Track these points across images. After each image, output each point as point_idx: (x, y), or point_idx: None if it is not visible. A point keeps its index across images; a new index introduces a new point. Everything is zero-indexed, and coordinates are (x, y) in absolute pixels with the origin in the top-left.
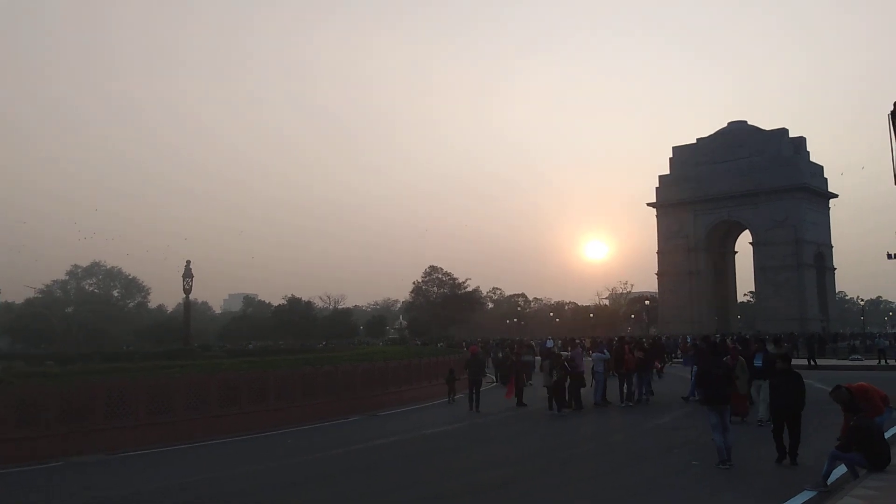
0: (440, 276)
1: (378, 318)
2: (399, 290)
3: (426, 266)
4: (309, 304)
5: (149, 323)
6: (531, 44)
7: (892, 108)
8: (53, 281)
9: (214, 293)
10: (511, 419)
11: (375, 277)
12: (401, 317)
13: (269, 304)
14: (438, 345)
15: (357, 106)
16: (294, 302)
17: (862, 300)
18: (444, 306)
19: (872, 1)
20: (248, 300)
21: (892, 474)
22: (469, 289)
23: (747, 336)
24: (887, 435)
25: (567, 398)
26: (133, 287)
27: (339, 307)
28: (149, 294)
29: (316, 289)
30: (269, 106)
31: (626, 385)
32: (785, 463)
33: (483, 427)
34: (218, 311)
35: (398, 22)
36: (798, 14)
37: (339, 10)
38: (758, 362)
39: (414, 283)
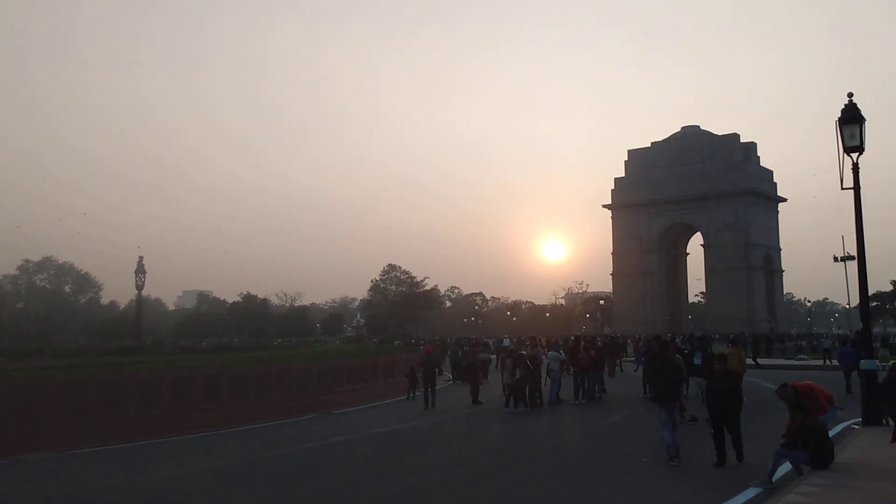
0: (398, 274)
1: (335, 315)
2: (357, 288)
3: (384, 264)
4: (265, 301)
5: (101, 319)
6: (488, 43)
7: (839, 115)
8: (3, 276)
9: (168, 290)
10: (467, 417)
11: (333, 275)
12: (358, 315)
13: (225, 302)
14: (395, 343)
15: (312, 104)
16: (250, 299)
17: (809, 302)
18: (402, 304)
19: (823, 10)
20: (203, 297)
21: (835, 472)
22: (427, 287)
23: (698, 335)
24: (831, 433)
25: (527, 396)
26: (85, 283)
27: (296, 305)
28: (101, 290)
29: (272, 286)
30: (224, 102)
31: (580, 383)
32: (731, 463)
33: (439, 425)
34: (172, 307)
35: (352, 19)
36: (752, 22)
37: (292, 7)
38: (697, 360)
39: (372, 281)
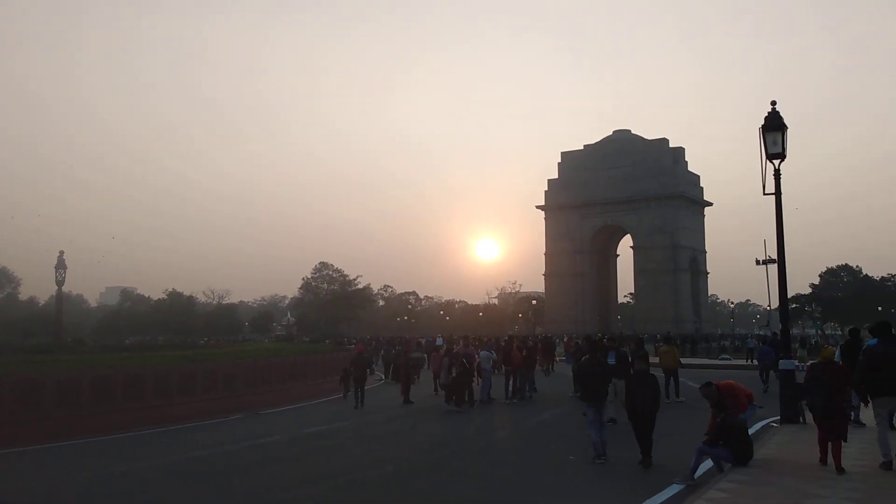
0: (330, 272)
1: (264, 314)
2: (287, 286)
3: (316, 262)
4: (191, 298)
5: (19, 316)
6: (430, 43)
7: (763, 123)
8: None
9: (91, 286)
10: (398, 417)
11: (263, 273)
12: (288, 313)
13: (149, 298)
14: (326, 342)
15: (248, 98)
16: (175, 296)
17: (732, 303)
18: (333, 303)
19: (750, 22)
20: (127, 294)
21: (754, 468)
22: (360, 286)
23: (626, 335)
24: (751, 431)
25: (464, 395)
26: (3, 277)
27: (224, 302)
28: (19, 285)
29: (199, 283)
30: (157, 92)
31: (511, 382)
32: (656, 461)
33: (369, 425)
34: (94, 304)
35: (293, 15)
36: (683, 31)
37: (233, 1)
38: (611, 360)
39: (303, 279)
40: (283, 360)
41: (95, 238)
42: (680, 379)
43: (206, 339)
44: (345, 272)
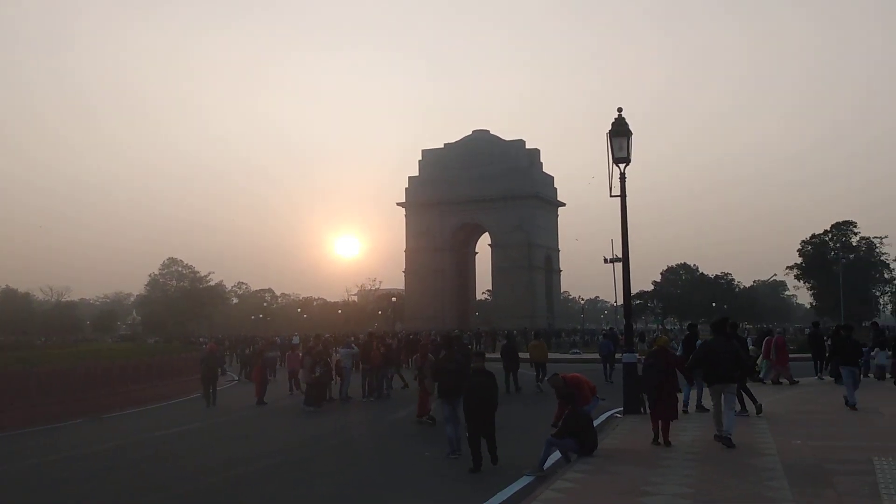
0: (180, 268)
1: (107, 312)
2: (133, 283)
3: (165, 257)
4: (27, 296)
5: None
6: (293, 40)
7: (610, 128)
8: None
9: None
10: (251, 418)
11: (106, 268)
12: (134, 311)
13: None
14: (173, 343)
15: (109, 82)
16: (9, 293)
17: (582, 299)
18: (183, 301)
19: (593, 32)
20: None
21: (599, 458)
22: (212, 283)
23: (483, 331)
24: (596, 422)
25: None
26: None
27: (63, 300)
28: None
29: (36, 279)
30: (20, 78)
31: (372, 380)
32: (486, 468)
33: (221, 427)
34: None
35: (160, 2)
36: (537, 39)
37: None
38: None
39: (150, 275)
40: (128, 362)
41: None
42: (531, 372)
43: (43, 339)
44: (195, 268)
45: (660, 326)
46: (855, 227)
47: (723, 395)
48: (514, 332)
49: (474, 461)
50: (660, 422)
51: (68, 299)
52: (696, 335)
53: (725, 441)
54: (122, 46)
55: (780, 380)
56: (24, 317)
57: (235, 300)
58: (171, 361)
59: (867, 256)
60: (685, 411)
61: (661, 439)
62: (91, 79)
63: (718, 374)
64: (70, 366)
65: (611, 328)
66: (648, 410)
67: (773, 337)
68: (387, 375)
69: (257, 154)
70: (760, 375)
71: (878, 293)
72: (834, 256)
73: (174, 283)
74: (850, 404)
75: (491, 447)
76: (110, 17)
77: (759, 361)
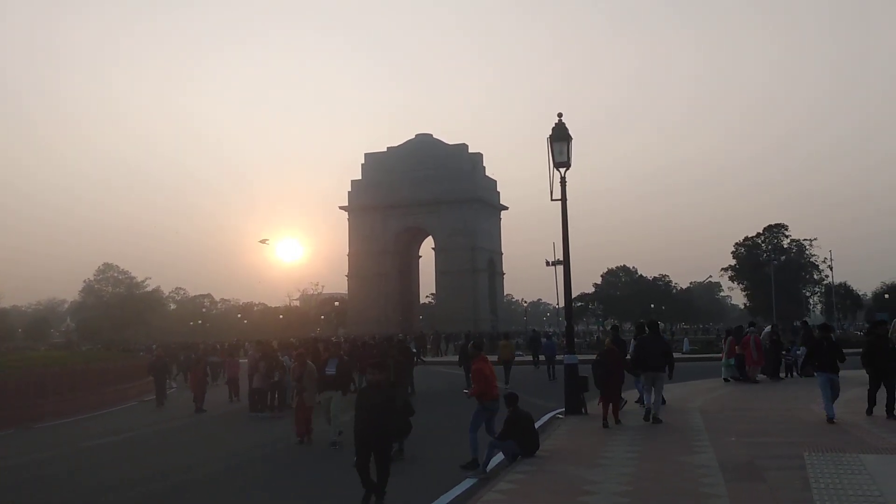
0: (116, 274)
1: (40, 319)
2: (67, 289)
3: (100, 263)
4: None
5: None
6: (226, 39)
7: (550, 132)
8: None
9: None
10: (192, 425)
11: (38, 274)
12: (68, 318)
13: None
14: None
15: (38, 84)
16: None
17: (525, 302)
18: (119, 307)
19: (542, 34)
20: None
21: (540, 459)
22: (149, 289)
23: (428, 334)
24: (538, 424)
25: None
26: None
27: None
28: None
29: None
30: None
31: None
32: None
33: (158, 435)
34: None
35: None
36: (476, 38)
37: None
38: (330, 369)
39: (85, 281)
40: (63, 370)
41: None
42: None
43: None
44: (132, 274)
45: (600, 328)
46: (786, 230)
47: (654, 382)
48: (469, 333)
49: (365, 487)
50: (610, 405)
51: None
52: (618, 336)
53: (654, 419)
54: (49, 46)
55: (758, 378)
56: None
57: (173, 306)
58: (108, 369)
59: (797, 258)
60: (645, 419)
61: (610, 422)
62: (20, 80)
63: (646, 364)
64: (0, 374)
65: (542, 331)
66: (591, 411)
67: (750, 336)
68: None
69: (194, 158)
70: (723, 375)
71: (808, 293)
72: (766, 258)
73: (110, 289)
74: (829, 418)
75: (381, 480)
76: (36, 18)
77: (722, 361)
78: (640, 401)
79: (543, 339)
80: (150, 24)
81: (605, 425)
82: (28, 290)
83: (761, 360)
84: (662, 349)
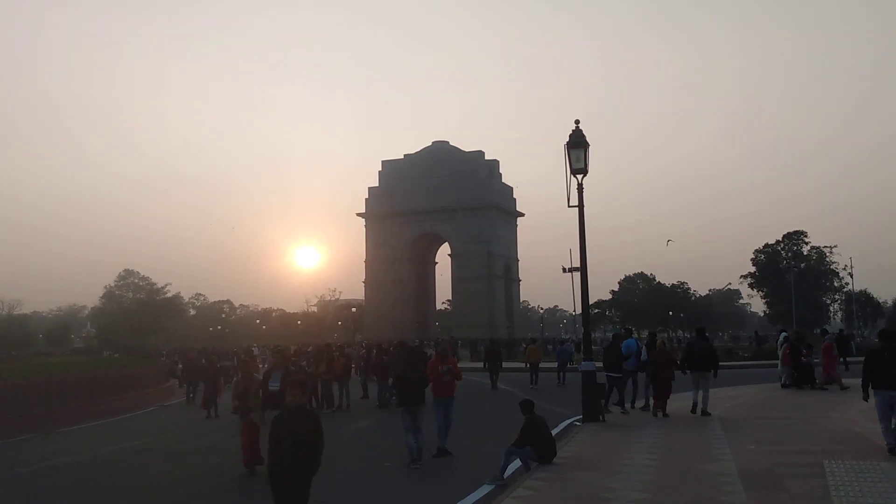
0: (136, 280)
1: (61, 325)
2: (88, 296)
3: (121, 269)
4: None
5: None
6: (237, 43)
7: (567, 139)
8: None
9: None
10: (209, 431)
11: (59, 280)
12: (88, 324)
13: None
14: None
15: (74, 90)
16: None
17: (542, 309)
18: (139, 313)
19: (554, 41)
20: None
21: (557, 466)
22: (169, 295)
23: (446, 340)
24: (555, 431)
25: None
26: None
27: (15, 313)
28: None
29: None
30: None
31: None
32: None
33: (177, 441)
34: None
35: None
36: (501, 50)
37: None
38: (274, 384)
39: (105, 287)
40: (84, 375)
41: None
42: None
43: None
44: (152, 280)
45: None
46: (806, 236)
47: (700, 380)
48: (489, 339)
49: None
50: (657, 400)
51: (20, 312)
52: (655, 340)
53: (703, 412)
54: (86, 57)
55: (826, 386)
56: None
57: (193, 312)
58: (129, 374)
59: (818, 265)
60: (692, 412)
61: (659, 413)
62: (55, 87)
63: (697, 363)
64: (22, 380)
65: (567, 338)
66: (609, 419)
67: (830, 343)
68: (346, 386)
69: (217, 165)
70: (781, 382)
71: (828, 301)
72: (786, 265)
73: (130, 294)
74: (889, 448)
75: None
76: (78, 33)
77: (780, 367)
78: (645, 406)
79: (552, 346)
80: (200, 42)
81: (655, 415)
82: (49, 296)
83: (832, 366)
84: (708, 352)
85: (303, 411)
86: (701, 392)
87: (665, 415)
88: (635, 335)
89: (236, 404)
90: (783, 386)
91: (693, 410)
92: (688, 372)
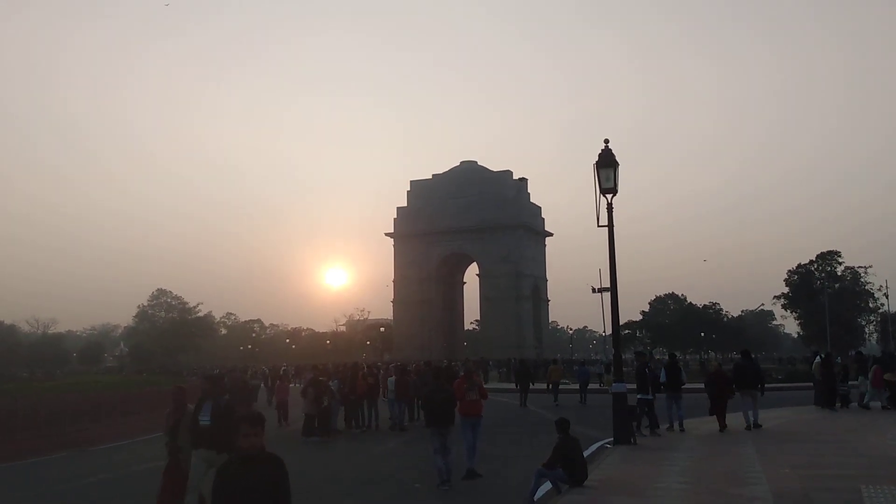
0: (169, 299)
1: (94, 344)
2: (121, 315)
3: (153, 289)
4: (12, 327)
5: None
6: (271, 66)
7: (597, 159)
8: None
9: None
10: None
11: (93, 300)
12: (121, 343)
13: None
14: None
15: (101, 113)
16: None
17: (571, 329)
18: (172, 332)
19: (572, 64)
20: None
21: (588, 489)
22: (200, 314)
23: (473, 361)
24: (586, 453)
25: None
26: None
27: (49, 332)
28: None
29: (21, 311)
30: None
31: (359, 411)
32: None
33: None
34: None
35: (90, 18)
36: (520, 68)
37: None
38: (204, 417)
39: (139, 306)
40: (115, 394)
41: None
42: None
43: (28, 371)
44: (184, 299)
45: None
46: (839, 256)
47: (749, 398)
48: (518, 359)
49: None
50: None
51: (54, 331)
52: (676, 362)
53: (755, 426)
54: (114, 82)
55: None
56: (8, 349)
57: (224, 331)
58: (162, 393)
59: (852, 286)
60: (747, 428)
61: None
62: (81, 109)
63: (746, 383)
64: (56, 398)
65: (581, 362)
66: (640, 442)
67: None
68: (375, 406)
69: (247, 185)
70: (865, 401)
71: (863, 322)
72: (820, 286)
73: (163, 314)
74: None
75: None
76: (101, 56)
77: (862, 388)
78: (669, 427)
79: (576, 367)
80: (222, 68)
81: (721, 428)
82: (83, 315)
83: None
84: (755, 371)
85: (260, 458)
86: (753, 408)
87: (724, 426)
88: (647, 355)
89: (166, 441)
90: (862, 406)
91: (748, 427)
92: (736, 393)
